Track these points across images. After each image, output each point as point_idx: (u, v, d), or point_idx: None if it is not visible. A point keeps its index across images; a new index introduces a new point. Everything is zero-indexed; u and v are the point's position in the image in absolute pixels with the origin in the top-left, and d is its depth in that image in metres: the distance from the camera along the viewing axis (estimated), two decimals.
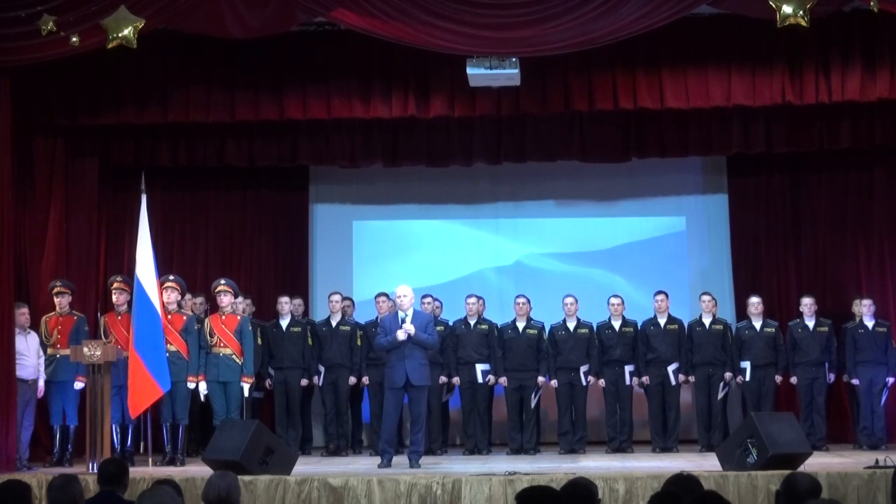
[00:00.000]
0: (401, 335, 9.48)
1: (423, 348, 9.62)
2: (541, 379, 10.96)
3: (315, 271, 12.74)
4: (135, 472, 7.68)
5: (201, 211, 12.52)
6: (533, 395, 11.00)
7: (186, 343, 10.18)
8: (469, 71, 9.81)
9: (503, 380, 11.01)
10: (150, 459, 9.86)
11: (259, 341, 10.88)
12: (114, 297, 10.34)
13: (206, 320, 10.47)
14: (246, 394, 10.29)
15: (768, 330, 11.02)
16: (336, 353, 11.16)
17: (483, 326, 11.19)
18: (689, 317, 11.29)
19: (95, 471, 8.59)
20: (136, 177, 10.60)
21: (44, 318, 10.40)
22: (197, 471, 8.80)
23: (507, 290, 12.17)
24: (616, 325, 11.13)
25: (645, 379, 11.02)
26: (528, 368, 10.97)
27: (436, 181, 12.56)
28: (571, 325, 11.09)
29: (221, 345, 10.29)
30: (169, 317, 10.06)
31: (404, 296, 9.64)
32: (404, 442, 10.48)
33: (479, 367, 11.08)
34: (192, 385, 10.22)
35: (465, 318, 11.25)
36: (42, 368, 10.14)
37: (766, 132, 11.27)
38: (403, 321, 9.54)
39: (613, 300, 11.19)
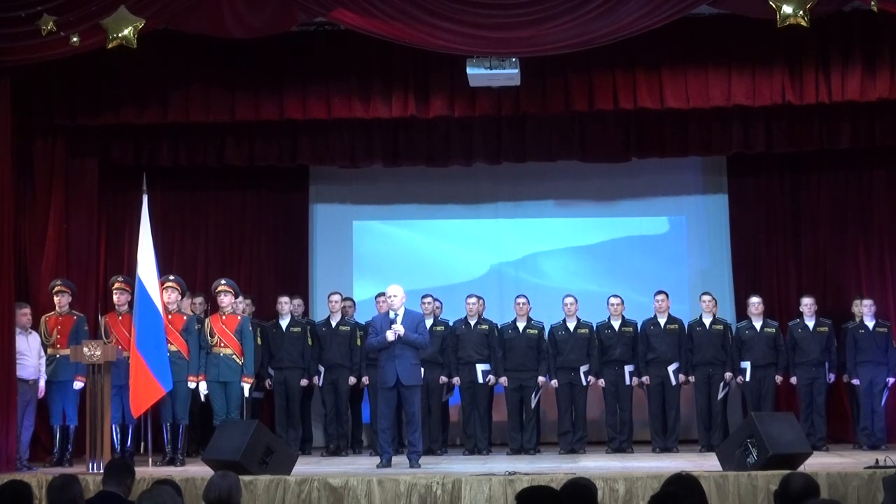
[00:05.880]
0: (390, 336, 9.48)
1: (413, 348, 9.62)
2: (541, 379, 10.96)
3: (315, 271, 12.74)
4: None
5: (201, 211, 12.52)
6: (533, 395, 11.00)
7: (187, 343, 10.18)
8: (469, 71, 9.81)
9: (503, 380, 11.02)
10: (150, 459, 9.87)
11: (259, 341, 10.88)
12: (114, 298, 10.34)
13: (207, 320, 10.47)
14: (246, 394, 10.29)
15: (768, 330, 11.02)
16: (336, 354, 11.16)
17: (483, 326, 11.19)
18: (689, 317, 11.29)
19: (95, 471, 8.61)
20: (136, 177, 10.63)
21: (43, 317, 10.40)
22: (197, 471, 8.81)
23: (508, 290, 12.16)
24: (616, 324, 11.14)
25: (645, 379, 11.02)
26: (528, 368, 10.97)
27: (436, 181, 12.56)
28: (571, 325, 11.09)
29: (222, 345, 10.28)
30: (169, 317, 10.06)
31: (394, 295, 9.64)
32: (404, 442, 10.48)
33: (480, 367, 11.08)
34: (192, 385, 10.21)
35: (466, 318, 11.25)
36: (43, 368, 10.14)
37: (766, 132, 11.27)
38: (394, 321, 9.55)
39: (613, 300, 11.19)
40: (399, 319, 9.55)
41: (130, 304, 10.10)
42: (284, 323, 11.25)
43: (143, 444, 10.19)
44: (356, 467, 9.64)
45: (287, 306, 11.31)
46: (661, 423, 11.02)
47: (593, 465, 9.62)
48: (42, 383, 10.11)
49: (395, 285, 9.79)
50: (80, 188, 11.20)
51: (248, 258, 12.58)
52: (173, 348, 10.03)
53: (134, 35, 9.19)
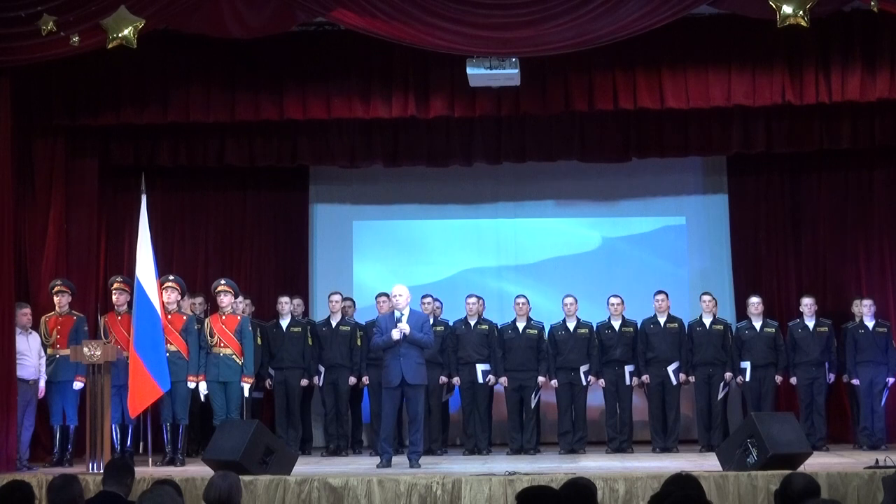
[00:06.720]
0: (395, 334, 9.49)
1: (418, 347, 9.63)
2: (541, 379, 10.96)
3: (315, 271, 12.74)
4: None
5: (201, 211, 12.52)
6: (533, 395, 11.00)
7: (186, 343, 10.18)
8: (469, 71, 9.80)
9: (503, 380, 11.02)
10: (150, 459, 9.88)
11: (259, 341, 10.88)
12: (114, 298, 10.35)
13: (206, 320, 10.47)
14: (246, 394, 10.30)
15: (768, 330, 11.02)
16: (336, 354, 11.16)
17: (483, 326, 11.19)
18: (689, 317, 11.29)
19: (95, 471, 8.61)
20: (136, 177, 10.63)
21: (43, 318, 10.40)
22: (197, 471, 8.81)
23: (508, 290, 12.17)
24: (616, 324, 11.14)
25: (645, 378, 11.02)
26: (528, 368, 10.97)
27: (436, 181, 12.56)
28: (571, 325, 11.09)
29: (221, 345, 10.29)
30: (169, 317, 10.06)
31: (399, 295, 9.66)
32: (404, 442, 10.48)
33: (480, 367, 11.08)
34: (192, 385, 10.22)
35: (466, 318, 11.25)
36: (43, 369, 10.14)
37: (766, 132, 11.27)
38: (399, 320, 9.55)
39: (613, 300, 11.19)
40: (404, 319, 9.56)
41: (130, 304, 10.10)
42: (284, 323, 11.25)
43: (143, 444, 10.19)
44: (356, 467, 9.64)
45: (287, 306, 11.31)
46: (661, 423, 11.02)
47: (593, 465, 9.62)
48: (42, 383, 10.11)
49: (400, 285, 9.81)
50: (80, 188, 11.19)
51: (248, 258, 12.58)
52: (173, 348, 10.03)
53: (134, 35, 9.18)
